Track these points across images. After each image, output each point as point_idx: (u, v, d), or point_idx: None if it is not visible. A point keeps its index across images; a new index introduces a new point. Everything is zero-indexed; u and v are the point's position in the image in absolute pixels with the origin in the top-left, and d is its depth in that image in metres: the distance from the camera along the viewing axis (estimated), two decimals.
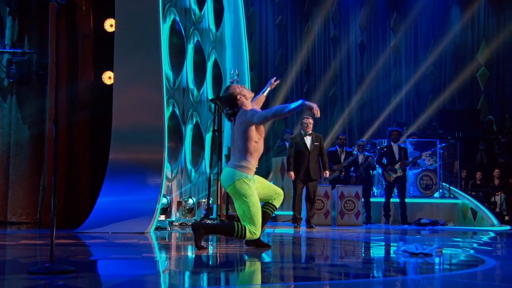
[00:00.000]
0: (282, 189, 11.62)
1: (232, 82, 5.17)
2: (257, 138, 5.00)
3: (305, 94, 16.20)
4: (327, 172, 9.51)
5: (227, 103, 5.07)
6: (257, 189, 5.00)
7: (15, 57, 9.08)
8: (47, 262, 3.50)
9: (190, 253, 5.10)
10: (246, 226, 4.80)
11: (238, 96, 5.02)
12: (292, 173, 9.32)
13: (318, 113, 4.69)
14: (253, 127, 4.92)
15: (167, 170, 8.64)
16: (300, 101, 4.81)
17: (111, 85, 8.45)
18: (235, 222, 4.88)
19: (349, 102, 16.87)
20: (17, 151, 9.25)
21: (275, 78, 5.88)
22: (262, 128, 5.07)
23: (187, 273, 3.71)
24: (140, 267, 3.97)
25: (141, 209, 7.54)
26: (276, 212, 11.72)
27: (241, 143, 4.97)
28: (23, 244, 5.31)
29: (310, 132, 9.45)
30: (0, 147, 9.32)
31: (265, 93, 5.72)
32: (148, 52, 8.13)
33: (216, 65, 12.15)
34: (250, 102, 5.17)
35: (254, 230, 4.82)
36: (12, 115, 9.30)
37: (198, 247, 4.82)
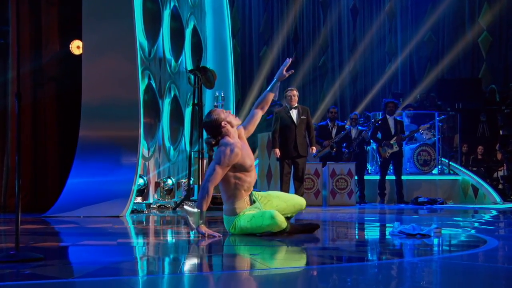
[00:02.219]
0: (269, 168, 11.77)
1: (216, 107, 4.89)
2: (239, 173, 4.71)
3: (293, 63, 16.16)
4: (314, 148, 9.52)
5: (210, 131, 4.74)
6: (278, 205, 4.89)
7: None
8: (12, 249, 3.48)
9: (170, 238, 5.10)
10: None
11: (223, 123, 4.69)
12: (277, 150, 9.32)
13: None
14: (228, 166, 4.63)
15: (143, 148, 8.61)
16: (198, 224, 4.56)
17: (80, 55, 8.35)
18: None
19: (340, 72, 16.86)
20: None
21: (290, 60, 5.18)
22: (243, 155, 4.72)
23: (166, 259, 3.71)
24: (115, 253, 3.96)
25: (115, 190, 7.53)
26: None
27: (220, 185, 4.74)
28: None
29: (296, 105, 9.42)
30: None
31: (274, 89, 5.07)
32: (120, 18, 8.04)
33: (195, 33, 12.05)
34: (237, 128, 4.81)
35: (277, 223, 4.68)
36: None
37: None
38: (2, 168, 8.66)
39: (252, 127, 5.02)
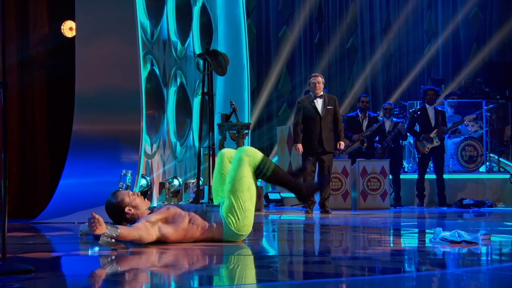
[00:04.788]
0: (290, 165, 11.77)
1: (120, 188, 4.76)
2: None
3: (316, 46, 16.13)
4: (342, 143, 9.50)
5: (112, 216, 4.69)
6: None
7: None
8: None
9: (176, 246, 5.12)
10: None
11: (127, 208, 4.65)
12: (300, 146, 9.32)
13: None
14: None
15: (145, 144, 8.64)
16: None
17: (73, 38, 8.40)
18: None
19: (372, 55, 16.79)
20: None
21: None
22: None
23: (171, 270, 3.73)
24: (114, 264, 3.99)
25: None
26: (283, 195, 11.82)
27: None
28: None
29: (321, 93, 9.41)
30: None
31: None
32: None
33: (204, 11, 12.07)
34: (146, 210, 4.72)
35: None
36: None
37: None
38: None
39: None
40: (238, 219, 4.77)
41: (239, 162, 4.79)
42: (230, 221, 4.78)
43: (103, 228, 4.27)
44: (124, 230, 4.40)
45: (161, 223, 4.64)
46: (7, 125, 3.69)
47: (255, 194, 4.88)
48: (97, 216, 4.25)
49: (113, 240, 4.33)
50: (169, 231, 4.65)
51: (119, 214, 4.67)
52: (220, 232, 4.78)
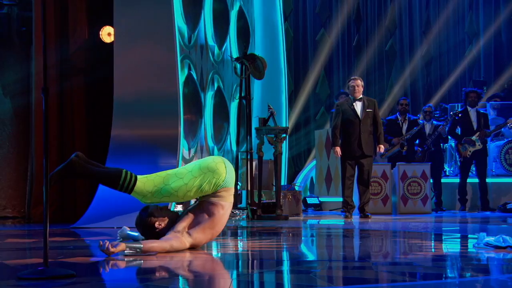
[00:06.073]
0: (328, 170, 11.76)
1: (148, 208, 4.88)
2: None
3: (355, 48, 16.07)
4: (381, 146, 9.46)
5: (144, 232, 4.87)
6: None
7: None
8: (41, 265, 3.57)
9: (215, 251, 5.15)
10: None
11: (157, 224, 4.79)
12: (338, 149, 9.30)
13: None
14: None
15: (183, 149, 8.70)
16: None
17: (111, 43, 8.50)
18: (123, 170, 4.82)
19: (411, 57, 16.67)
20: None
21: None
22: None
23: (213, 277, 3.76)
24: (154, 269, 4.03)
25: None
26: (322, 199, 11.80)
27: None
28: (10, 243, 5.43)
29: (361, 96, 9.39)
30: None
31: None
32: (157, 0, 8.15)
33: (241, 15, 12.11)
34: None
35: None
36: None
37: (52, 181, 4.83)
38: (26, 174, 8.88)
39: None
40: (208, 188, 4.83)
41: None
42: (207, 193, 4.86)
43: (121, 249, 4.43)
44: (152, 244, 4.56)
45: (187, 229, 4.77)
46: (48, 131, 3.75)
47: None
48: (106, 245, 4.38)
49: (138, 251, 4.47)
50: (198, 234, 4.76)
51: (150, 230, 4.81)
52: (217, 204, 4.85)
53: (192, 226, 4.78)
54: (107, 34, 8.70)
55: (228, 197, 4.90)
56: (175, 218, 4.84)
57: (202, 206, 4.85)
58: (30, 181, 8.75)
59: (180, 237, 4.69)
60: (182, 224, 4.76)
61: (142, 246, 4.49)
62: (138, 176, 4.83)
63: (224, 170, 4.90)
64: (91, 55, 8.79)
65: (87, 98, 8.88)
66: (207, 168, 4.86)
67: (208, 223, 4.80)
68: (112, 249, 4.37)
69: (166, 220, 4.81)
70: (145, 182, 4.81)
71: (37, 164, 8.56)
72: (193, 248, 4.74)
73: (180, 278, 3.71)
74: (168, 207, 4.89)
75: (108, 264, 4.21)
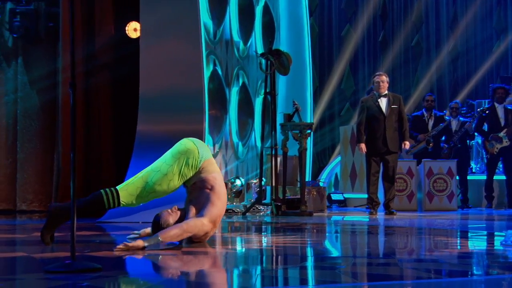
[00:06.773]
0: (353, 166, 11.73)
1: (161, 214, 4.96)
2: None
3: (380, 44, 15.99)
4: (407, 143, 9.42)
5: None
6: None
7: (19, 7, 9.29)
8: (68, 259, 3.62)
9: (239, 247, 5.17)
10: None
11: (171, 219, 4.90)
12: (363, 146, 9.27)
13: None
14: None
15: (208, 144, 8.73)
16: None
17: (137, 39, 8.55)
18: (101, 191, 4.90)
19: (437, 53, 16.55)
20: (26, 123, 9.52)
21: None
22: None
23: (235, 271, 3.78)
24: (179, 264, 4.06)
25: (178, 192, 7.66)
26: (346, 195, 11.77)
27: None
28: (37, 237, 5.48)
29: (386, 92, 9.35)
30: (4, 119, 9.60)
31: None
32: None
33: (266, 11, 12.11)
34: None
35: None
36: (18, 79, 9.55)
37: (45, 239, 4.87)
38: (53, 168, 8.98)
39: None
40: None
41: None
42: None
43: (140, 246, 4.52)
44: (170, 231, 4.65)
45: (197, 213, 4.84)
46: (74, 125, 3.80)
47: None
48: (122, 247, 4.48)
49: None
50: (210, 209, 4.82)
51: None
52: (208, 177, 4.94)
53: (199, 208, 4.85)
54: (133, 29, 8.75)
55: (213, 167, 5.00)
56: (183, 216, 4.92)
57: (197, 188, 4.94)
58: (56, 175, 8.83)
59: (194, 219, 4.76)
60: (190, 213, 4.85)
61: (159, 236, 4.55)
62: (118, 187, 4.96)
63: (194, 146, 4.99)
64: (117, 51, 8.84)
65: (113, 93, 8.93)
66: (178, 153, 4.96)
67: (212, 196, 4.88)
68: (130, 244, 4.44)
69: (179, 213, 4.92)
70: (127, 189, 4.93)
71: (63, 159, 8.64)
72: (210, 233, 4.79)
73: (203, 272, 3.73)
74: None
75: (134, 258, 4.25)
